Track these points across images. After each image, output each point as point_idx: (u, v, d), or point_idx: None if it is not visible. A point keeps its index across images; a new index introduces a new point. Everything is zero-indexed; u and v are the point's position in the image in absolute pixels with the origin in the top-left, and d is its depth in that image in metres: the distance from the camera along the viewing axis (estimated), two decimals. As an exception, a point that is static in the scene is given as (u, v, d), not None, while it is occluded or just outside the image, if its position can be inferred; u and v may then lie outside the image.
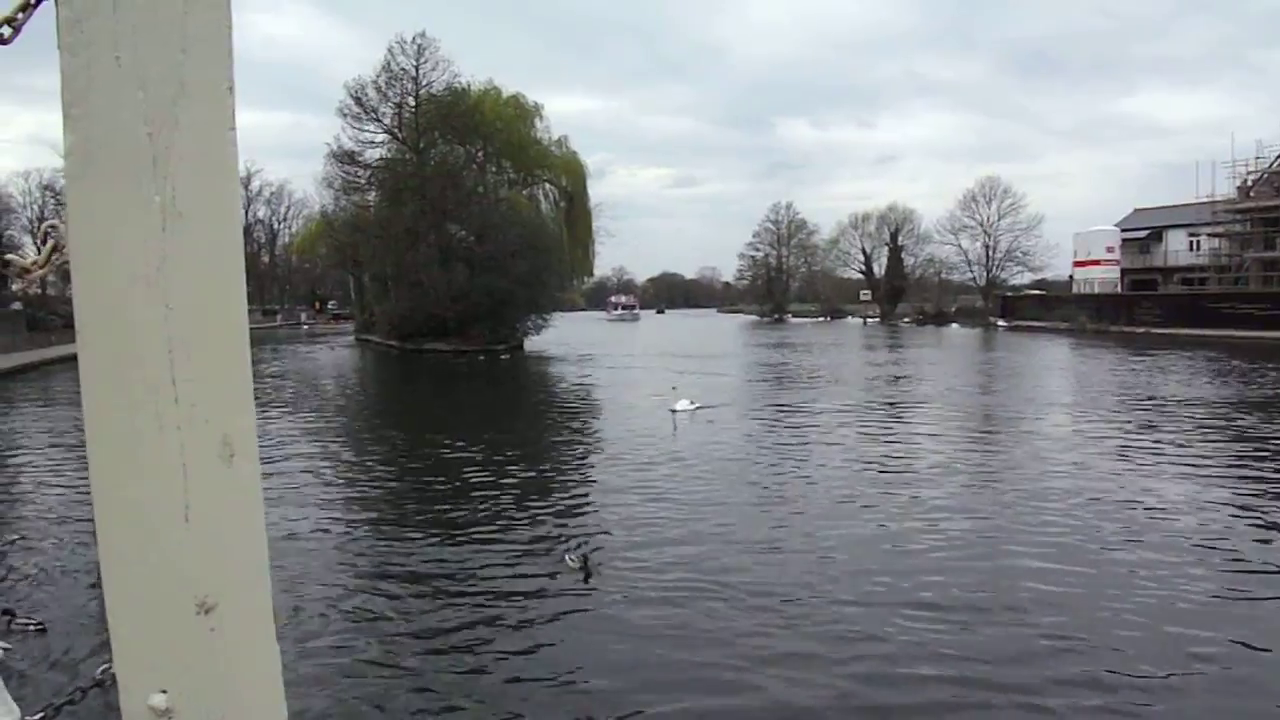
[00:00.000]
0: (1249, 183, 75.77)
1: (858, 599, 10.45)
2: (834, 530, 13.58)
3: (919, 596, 10.49)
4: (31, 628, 9.17)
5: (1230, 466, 18.65)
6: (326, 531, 13.98)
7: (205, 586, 1.29)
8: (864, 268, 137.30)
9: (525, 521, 14.32)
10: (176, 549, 1.27)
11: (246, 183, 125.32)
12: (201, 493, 1.27)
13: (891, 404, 29.85)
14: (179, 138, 1.21)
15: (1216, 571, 11.37)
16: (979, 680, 8.23)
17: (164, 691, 1.28)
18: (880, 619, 9.80)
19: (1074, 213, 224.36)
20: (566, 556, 11.36)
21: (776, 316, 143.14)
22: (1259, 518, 14.06)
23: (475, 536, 13.49)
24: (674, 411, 24.17)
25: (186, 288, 1.23)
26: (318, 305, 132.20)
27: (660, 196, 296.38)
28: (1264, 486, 16.46)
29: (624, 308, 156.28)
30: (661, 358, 52.06)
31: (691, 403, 24.85)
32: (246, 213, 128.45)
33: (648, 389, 33.86)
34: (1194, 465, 18.59)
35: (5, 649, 7.07)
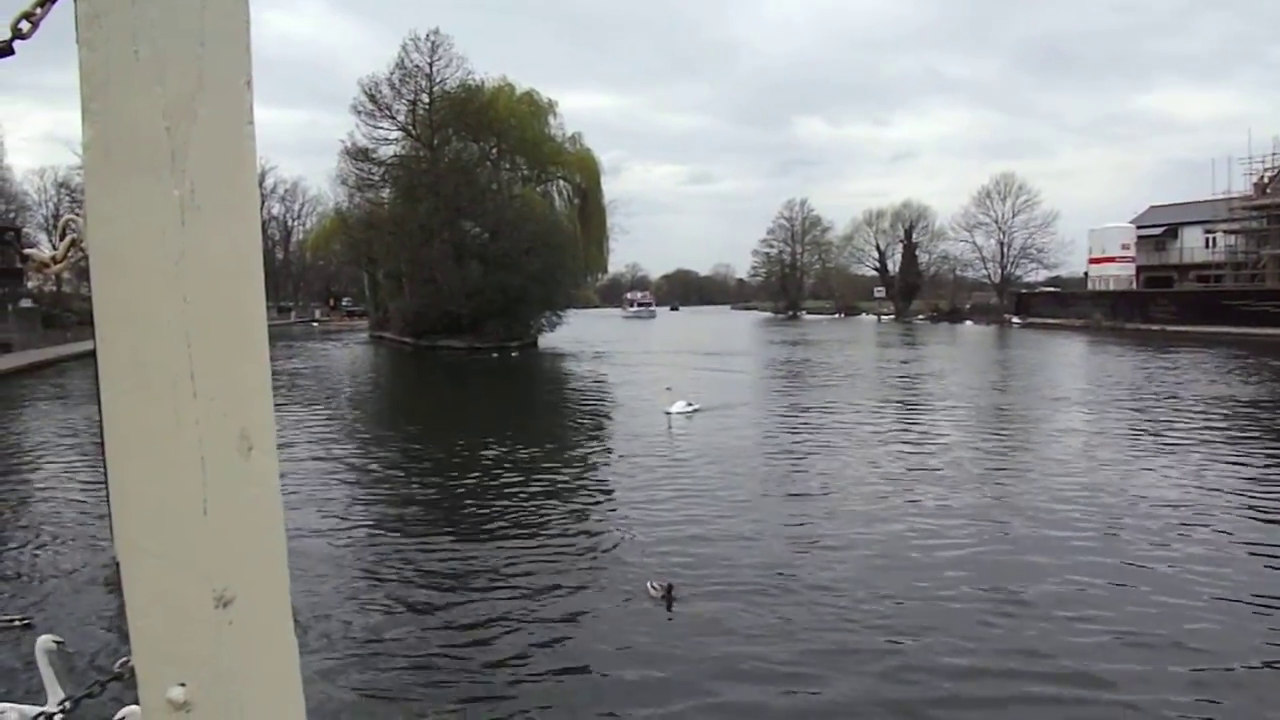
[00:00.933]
0: (1265, 179, 75.30)
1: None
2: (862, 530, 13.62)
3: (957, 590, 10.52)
4: (17, 623, 9.22)
5: (1255, 464, 18.61)
6: (341, 525, 14.08)
7: (223, 579, 1.29)
8: (878, 265, 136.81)
9: (541, 519, 14.40)
10: (195, 542, 1.27)
11: (262, 180, 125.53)
12: (220, 486, 1.27)
13: (908, 403, 29.80)
14: (198, 132, 1.22)
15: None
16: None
17: (183, 684, 1.29)
18: (924, 611, 9.85)
19: (1089, 210, 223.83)
20: (649, 585, 10.49)
21: (791, 314, 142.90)
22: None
23: (491, 534, 13.56)
24: (669, 413, 24.06)
25: (205, 282, 1.24)
26: (332, 302, 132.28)
27: (675, 193, 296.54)
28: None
29: (640, 304, 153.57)
30: (678, 355, 52.06)
31: (688, 404, 24.73)
32: (261, 210, 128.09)
33: (661, 388, 33.99)
34: (1215, 463, 18.56)
35: (58, 641, 7.22)
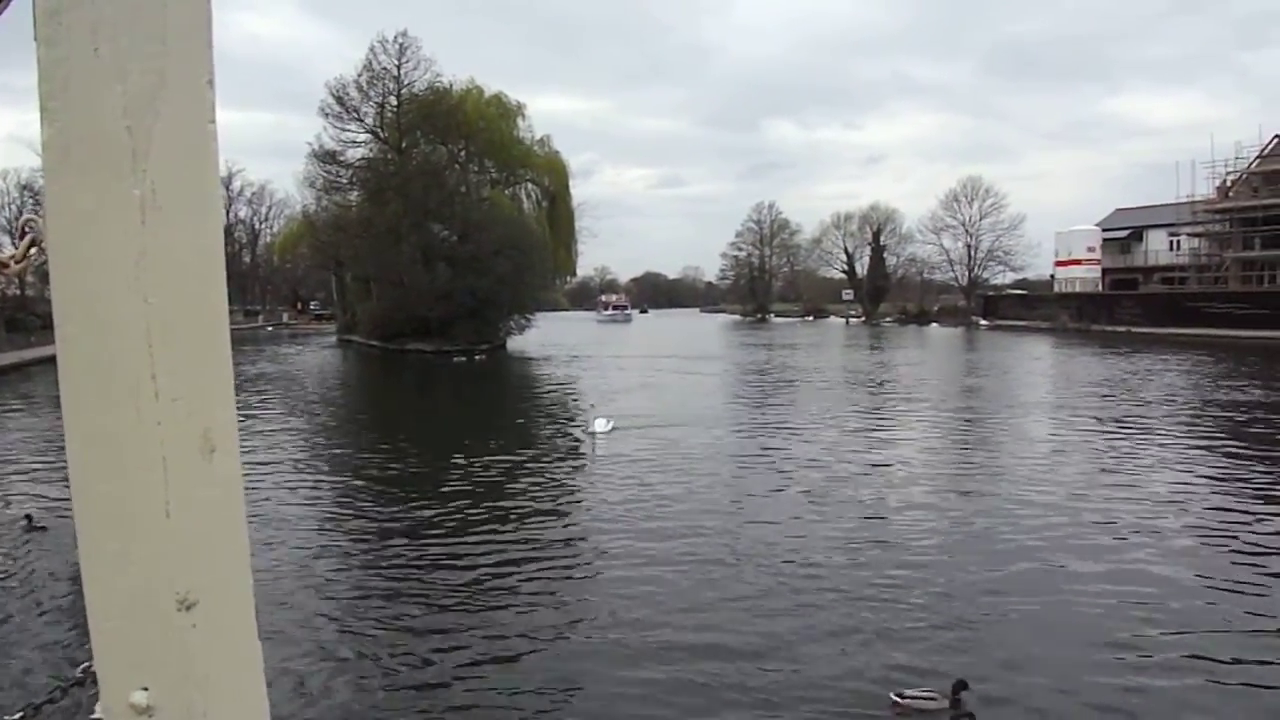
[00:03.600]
0: (1228, 183, 76.27)
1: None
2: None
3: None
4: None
5: (1211, 462, 18.81)
6: (305, 527, 14.04)
7: (186, 582, 1.28)
8: (847, 267, 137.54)
9: (495, 522, 14.37)
10: (157, 545, 1.26)
11: (228, 182, 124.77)
12: (182, 488, 1.26)
13: (874, 408, 29.94)
14: (159, 131, 1.20)
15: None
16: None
17: (145, 689, 1.27)
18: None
19: (1056, 212, 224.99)
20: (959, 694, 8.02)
21: (759, 316, 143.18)
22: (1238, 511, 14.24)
23: (450, 537, 13.55)
24: (592, 433, 22.98)
25: (166, 281, 1.22)
26: (299, 305, 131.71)
27: (645, 197, 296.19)
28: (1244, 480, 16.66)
29: (615, 308, 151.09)
30: (653, 359, 51.86)
31: (608, 421, 23.58)
32: (228, 213, 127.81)
33: (629, 394, 33.96)
34: (1175, 461, 18.76)
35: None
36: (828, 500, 15.63)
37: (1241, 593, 10.64)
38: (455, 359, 54.77)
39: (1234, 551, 12.40)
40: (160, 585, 1.27)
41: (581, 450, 21.27)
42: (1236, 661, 8.73)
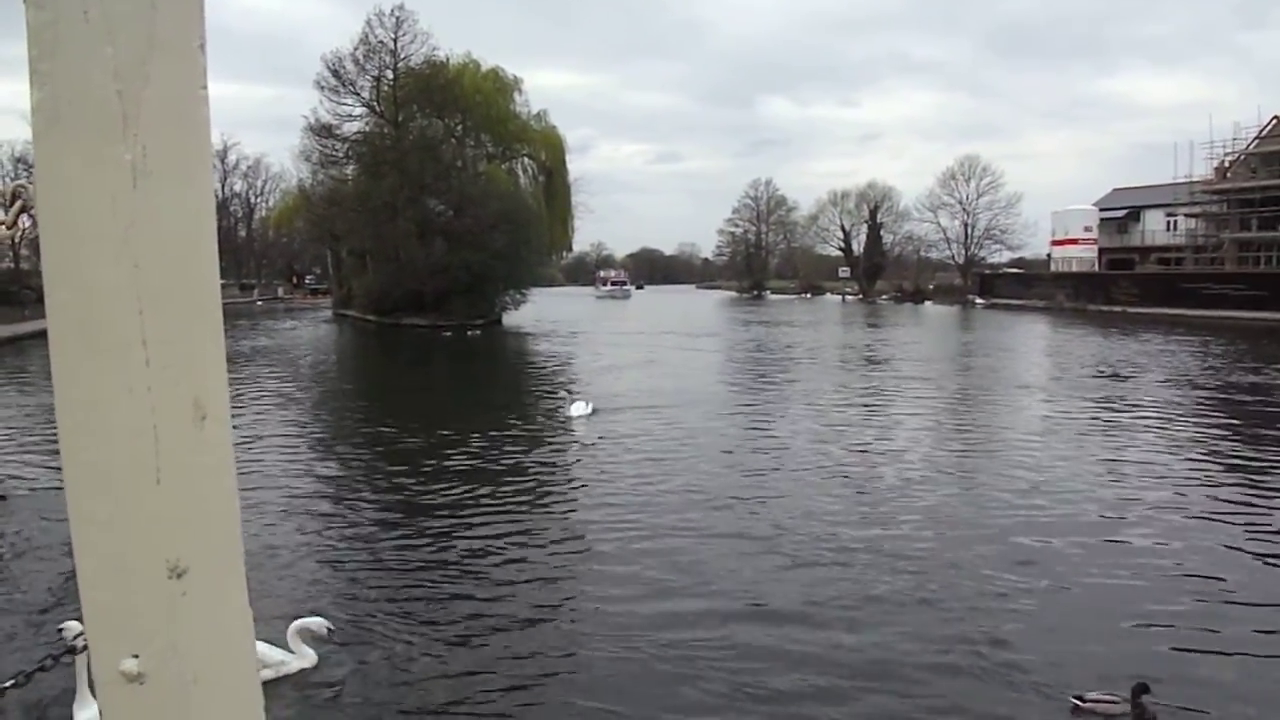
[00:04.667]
0: (1226, 164, 76.22)
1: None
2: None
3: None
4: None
5: (1208, 449, 18.87)
6: (294, 502, 14.06)
7: (177, 550, 1.27)
8: (843, 245, 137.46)
9: (489, 501, 14.35)
10: (147, 512, 1.25)
11: (223, 155, 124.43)
12: (173, 455, 1.25)
13: (874, 387, 29.98)
14: (149, 95, 1.19)
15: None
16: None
17: (136, 656, 1.27)
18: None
19: (1053, 192, 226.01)
20: None
21: (755, 293, 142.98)
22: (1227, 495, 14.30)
23: (446, 516, 13.56)
24: (572, 417, 21.97)
25: (157, 247, 1.21)
26: (295, 280, 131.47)
27: (642, 172, 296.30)
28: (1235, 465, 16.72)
29: (614, 283, 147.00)
30: (654, 336, 51.72)
31: (587, 404, 22.63)
32: (223, 187, 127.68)
33: (627, 370, 33.94)
34: (1166, 445, 18.83)
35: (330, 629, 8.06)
36: (832, 482, 15.60)
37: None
38: (445, 333, 54.63)
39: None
40: (151, 553, 1.27)
41: (565, 430, 20.77)
42: None
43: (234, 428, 1.37)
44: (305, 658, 8.09)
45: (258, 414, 22.58)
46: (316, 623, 8.19)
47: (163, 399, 1.24)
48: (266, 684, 7.88)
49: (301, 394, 27.90)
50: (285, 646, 8.13)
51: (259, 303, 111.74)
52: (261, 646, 7.97)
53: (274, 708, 7.68)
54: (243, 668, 1.40)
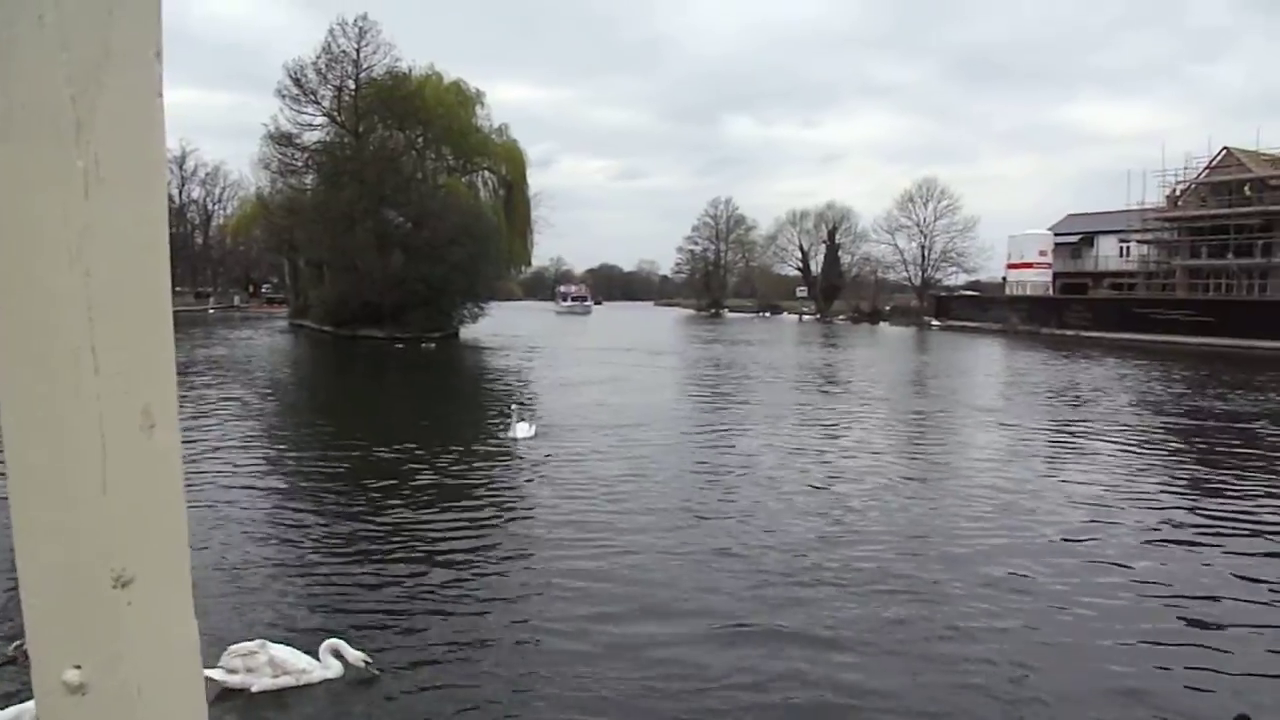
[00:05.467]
0: (1177, 192, 77.79)
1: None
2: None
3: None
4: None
5: (1155, 468, 19.10)
6: (243, 510, 13.93)
7: (122, 559, 1.26)
8: (801, 264, 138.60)
9: (427, 522, 14.19)
10: (93, 521, 1.24)
11: (181, 162, 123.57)
12: (120, 464, 1.24)
13: (831, 406, 30.14)
14: (104, 102, 1.19)
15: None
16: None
17: (78, 667, 1.26)
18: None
19: (1010, 216, 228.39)
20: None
21: (714, 311, 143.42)
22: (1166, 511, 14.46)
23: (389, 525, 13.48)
24: (515, 440, 20.57)
25: (108, 255, 1.21)
26: (252, 289, 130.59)
27: (604, 188, 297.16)
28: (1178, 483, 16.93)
29: (575, 299, 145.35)
30: (609, 352, 51.68)
31: (530, 425, 21.27)
32: (180, 193, 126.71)
33: (585, 386, 33.89)
34: (1114, 467, 19.04)
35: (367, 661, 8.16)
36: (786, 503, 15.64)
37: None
38: (397, 345, 54.31)
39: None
40: (95, 562, 1.25)
41: (507, 451, 19.81)
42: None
43: (183, 437, 1.36)
44: (330, 668, 8.04)
45: (206, 424, 22.30)
46: (355, 655, 8.12)
47: (111, 407, 1.23)
48: (284, 691, 7.89)
49: (250, 406, 27.30)
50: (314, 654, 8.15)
51: (210, 311, 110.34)
52: (284, 651, 8.04)
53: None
54: (188, 679, 1.39)
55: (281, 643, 8.31)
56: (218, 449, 19.17)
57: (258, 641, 8.00)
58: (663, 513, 14.36)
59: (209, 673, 7.67)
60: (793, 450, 20.11)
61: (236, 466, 17.46)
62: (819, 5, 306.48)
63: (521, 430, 20.96)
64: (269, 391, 32.25)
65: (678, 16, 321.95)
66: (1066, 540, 13.08)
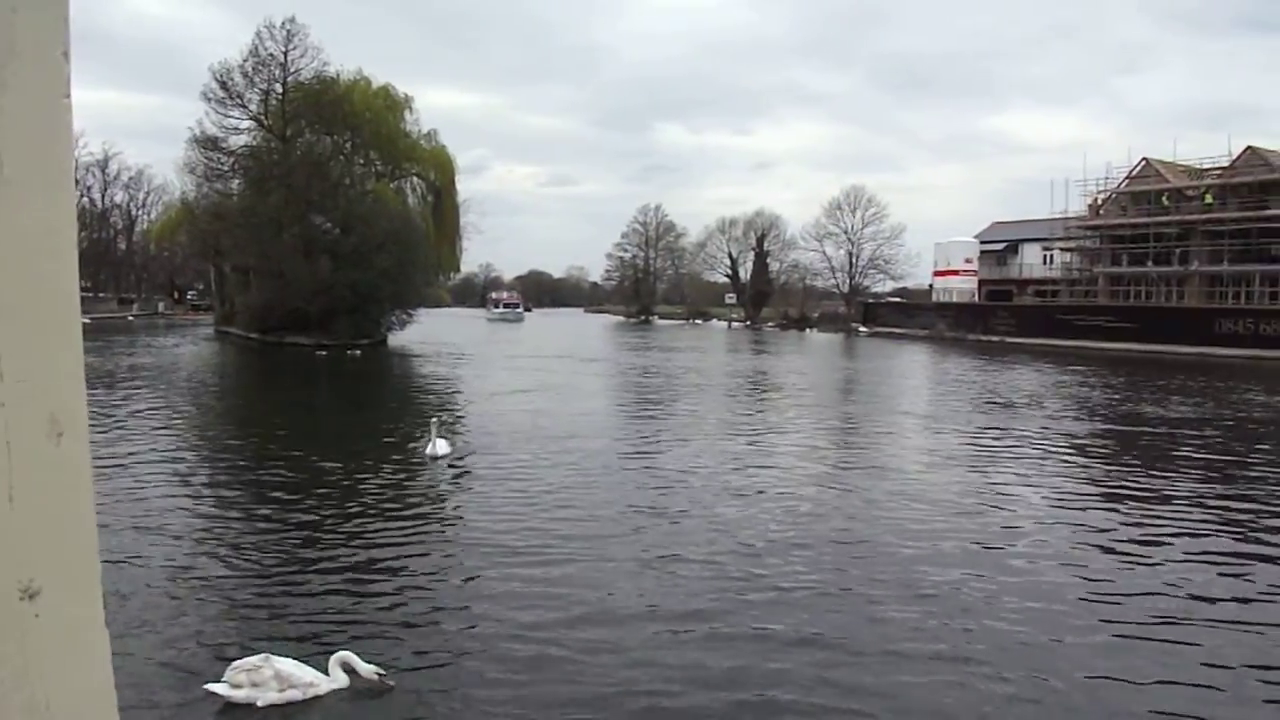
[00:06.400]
0: (1099, 201, 79.49)
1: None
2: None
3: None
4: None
5: (1069, 467, 19.44)
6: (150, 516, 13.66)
7: (30, 570, 1.24)
8: (730, 271, 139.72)
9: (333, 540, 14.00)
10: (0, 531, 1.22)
11: (104, 165, 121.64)
12: (27, 472, 1.21)
13: (763, 413, 30.30)
14: (8, 102, 1.16)
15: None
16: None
17: (-15, 680, 1.23)
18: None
19: (937, 224, 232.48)
20: None
21: (643, 318, 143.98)
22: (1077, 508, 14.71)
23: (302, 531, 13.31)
24: (434, 458, 18.97)
25: (14, 258, 1.18)
26: (177, 295, 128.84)
27: (535, 195, 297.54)
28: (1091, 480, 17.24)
29: (507, 305, 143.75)
30: (538, 359, 51.46)
31: (449, 444, 19.63)
32: (103, 197, 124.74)
33: (513, 395, 33.77)
34: (1034, 468, 19.32)
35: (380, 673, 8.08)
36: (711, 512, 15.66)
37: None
38: (319, 353, 53.65)
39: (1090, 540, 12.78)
40: (3, 573, 1.23)
41: (424, 469, 18.58)
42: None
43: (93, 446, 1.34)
44: (337, 681, 7.93)
45: (122, 435, 21.79)
46: (367, 668, 8.01)
47: (17, 414, 1.20)
48: (294, 705, 7.76)
49: (164, 418, 26.33)
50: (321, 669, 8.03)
51: (130, 317, 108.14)
52: (289, 665, 7.88)
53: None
54: (99, 690, 1.37)
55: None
56: (129, 460, 18.63)
57: (261, 656, 7.82)
58: (597, 522, 14.27)
59: (213, 688, 7.68)
60: (727, 459, 20.07)
61: (142, 480, 16.86)
62: (751, 14, 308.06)
63: (441, 447, 19.32)
64: (185, 403, 31.01)
65: (616, 23, 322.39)
66: (995, 544, 13.25)
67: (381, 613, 10.06)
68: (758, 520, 14.44)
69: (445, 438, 19.78)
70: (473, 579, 11.33)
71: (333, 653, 8.18)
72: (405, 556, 12.33)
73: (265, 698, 7.64)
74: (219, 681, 7.69)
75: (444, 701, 7.99)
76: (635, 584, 11.10)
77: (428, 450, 19.22)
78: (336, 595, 10.60)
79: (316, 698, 7.82)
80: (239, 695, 7.62)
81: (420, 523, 14.37)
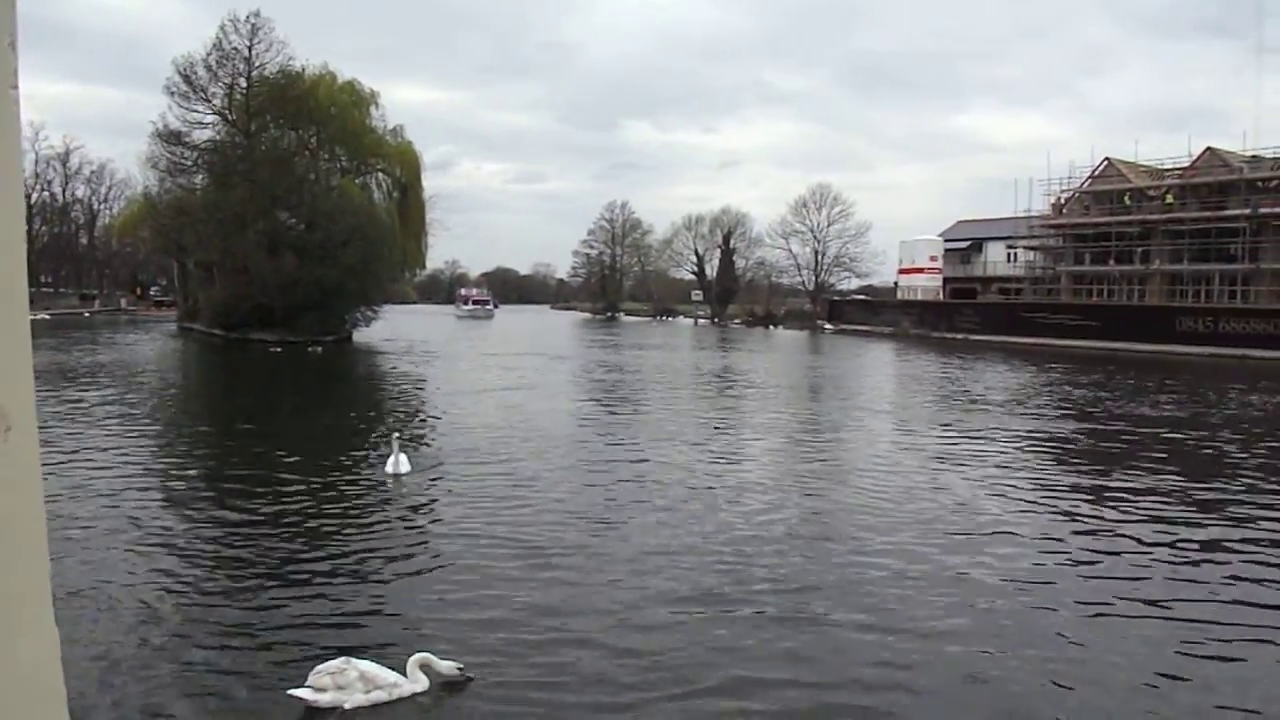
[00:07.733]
0: (1062, 200, 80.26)
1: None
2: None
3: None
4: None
5: (1032, 463, 19.57)
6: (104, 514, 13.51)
7: (-24, 569, 1.22)
8: (696, 269, 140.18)
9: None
10: (-54, 529, 1.20)
11: (65, 159, 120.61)
12: (-27, 469, 1.20)
13: (731, 410, 30.37)
14: (-46, 93, 1.15)
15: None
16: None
17: (-68, 682, 1.21)
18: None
19: (902, 222, 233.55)
20: None
21: (609, 315, 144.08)
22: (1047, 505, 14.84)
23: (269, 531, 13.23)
24: (396, 476, 17.23)
25: (-40, 252, 1.16)
26: (139, 291, 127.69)
27: (502, 191, 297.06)
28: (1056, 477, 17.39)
29: (476, 302, 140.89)
30: (504, 357, 51.25)
31: (407, 459, 17.68)
32: (64, 192, 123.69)
33: (483, 395, 33.66)
34: (999, 464, 19.46)
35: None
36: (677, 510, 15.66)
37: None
38: (274, 349, 53.39)
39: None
40: (-51, 572, 1.21)
41: (380, 483, 17.15)
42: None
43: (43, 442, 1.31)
44: (417, 683, 7.88)
45: (74, 432, 21.48)
46: (447, 666, 8.03)
47: (-37, 410, 1.18)
48: (378, 706, 7.66)
49: (126, 416, 25.76)
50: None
51: (86, 314, 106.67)
52: (372, 666, 7.84)
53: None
54: (49, 691, 1.34)
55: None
56: (75, 457, 18.31)
57: (343, 659, 7.77)
58: (568, 515, 14.31)
59: (297, 692, 7.59)
60: (698, 455, 20.08)
61: (87, 480, 16.45)
62: (718, 12, 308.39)
63: (403, 464, 17.56)
64: (142, 401, 30.04)
65: (585, 19, 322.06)
66: (960, 534, 13.35)
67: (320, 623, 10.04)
68: (732, 524, 14.39)
69: (407, 453, 18.14)
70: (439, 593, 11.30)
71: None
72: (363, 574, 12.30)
73: (352, 700, 7.59)
74: (302, 686, 7.63)
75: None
76: (602, 580, 11.10)
77: (387, 468, 17.63)
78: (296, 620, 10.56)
79: (401, 699, 7.80)
80: (324, 699, 7.55)
81: (379, 542, 13.30)
